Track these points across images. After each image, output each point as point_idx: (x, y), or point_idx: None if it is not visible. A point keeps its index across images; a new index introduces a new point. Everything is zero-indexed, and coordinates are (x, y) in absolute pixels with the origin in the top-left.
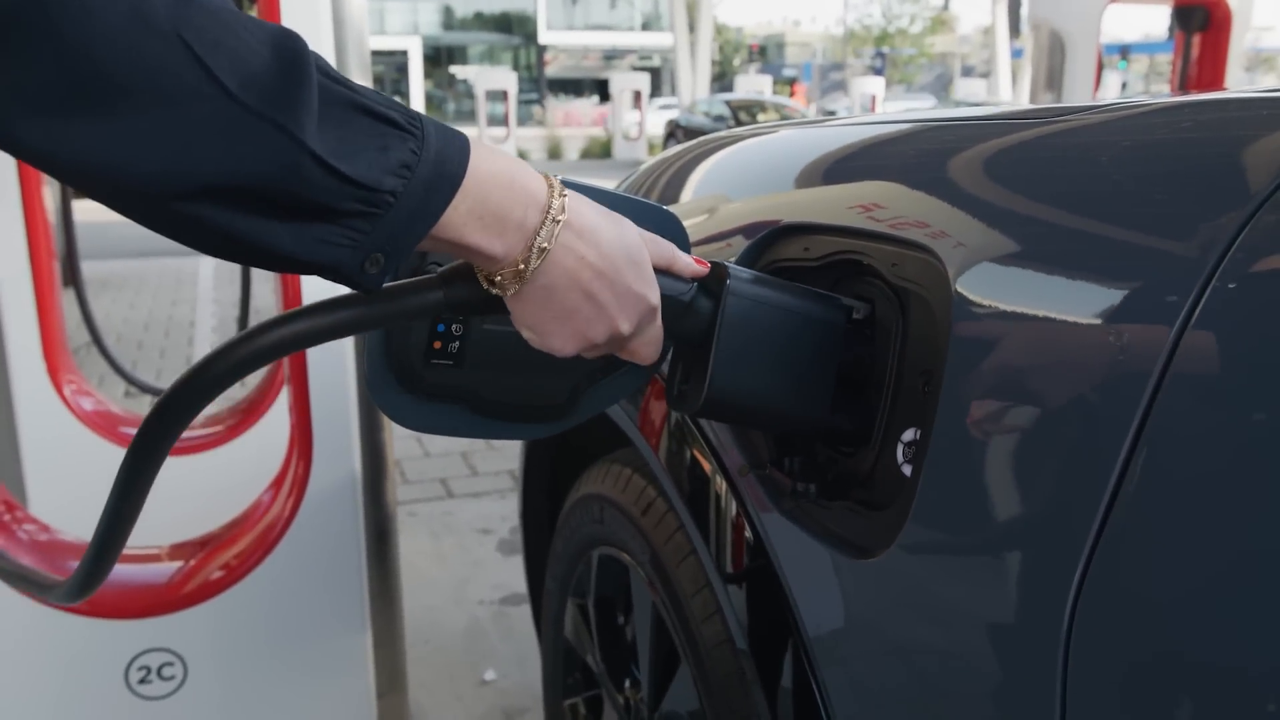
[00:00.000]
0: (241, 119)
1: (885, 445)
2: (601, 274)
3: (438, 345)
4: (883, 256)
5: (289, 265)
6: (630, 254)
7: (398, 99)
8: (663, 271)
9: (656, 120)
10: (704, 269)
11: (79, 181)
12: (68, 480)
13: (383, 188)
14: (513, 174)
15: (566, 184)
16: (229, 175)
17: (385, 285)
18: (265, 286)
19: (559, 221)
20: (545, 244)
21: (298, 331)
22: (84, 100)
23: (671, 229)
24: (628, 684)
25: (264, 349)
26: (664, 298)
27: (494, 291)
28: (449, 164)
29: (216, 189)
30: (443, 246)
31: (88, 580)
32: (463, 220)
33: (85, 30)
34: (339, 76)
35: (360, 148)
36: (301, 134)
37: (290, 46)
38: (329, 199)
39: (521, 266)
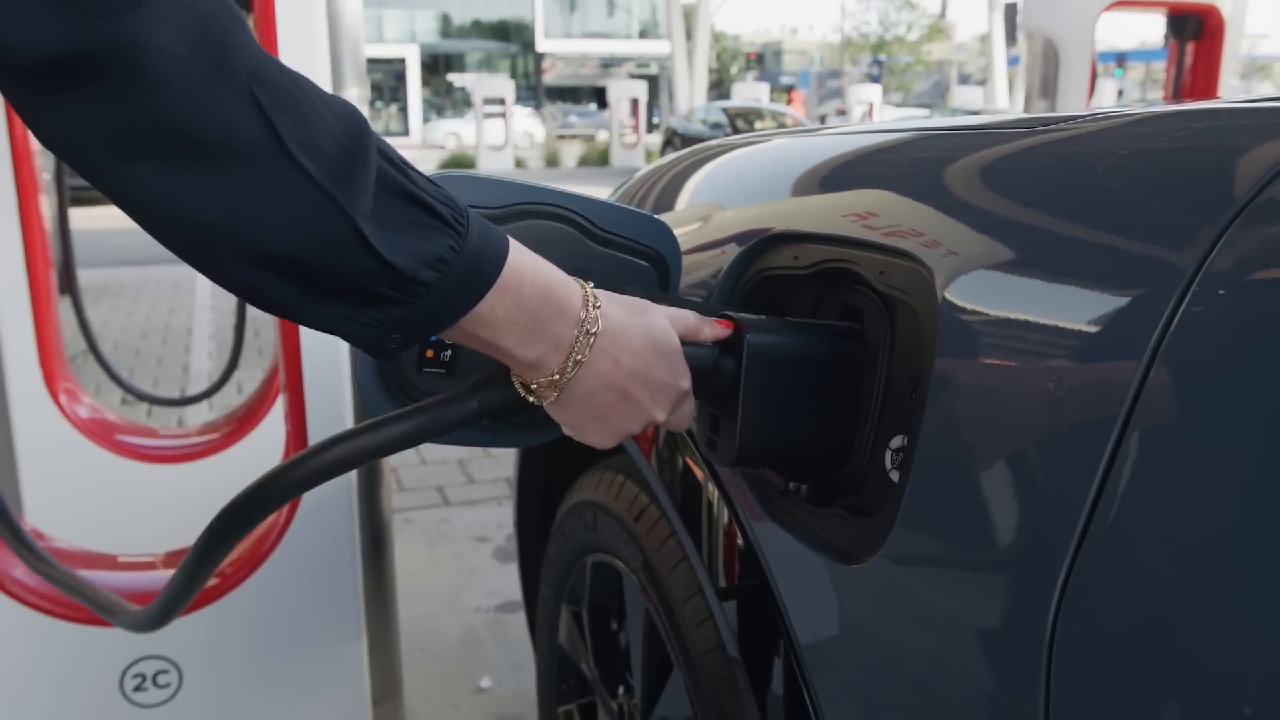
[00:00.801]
0: (299, 185)
1: (873, 452)
2: (635, 374)
3: (430, 354)
4: (870, 265)
5: (310, 326)
6: (660, 348)
7: (394, 107)
8: (687, 342)
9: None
10: (727, 330)
11: (142, 221)
12: (63, 487)
13: (417, 278)
14: (550, 284)
15: (557, 203)
16: (281, 243)
17: (421, 403)
18: None
19: (593, 333)
20: (580, 356)
21: (337, 457)
22: (160, 145)
23: (663, 238)
24: (621, 690)
25: (312, 473)
26: (691, 369)
27: (530, 398)
28: (485, 263)
29: (270, 258)
30: (478, 345)
31: (159, 617)
32: (499, 323)
33: (170, 76)
34: (397, 159)
35: (402, 235)
36: (354, 211)
37: (357, 125)
38: (365, 280)
39: (557, 377)
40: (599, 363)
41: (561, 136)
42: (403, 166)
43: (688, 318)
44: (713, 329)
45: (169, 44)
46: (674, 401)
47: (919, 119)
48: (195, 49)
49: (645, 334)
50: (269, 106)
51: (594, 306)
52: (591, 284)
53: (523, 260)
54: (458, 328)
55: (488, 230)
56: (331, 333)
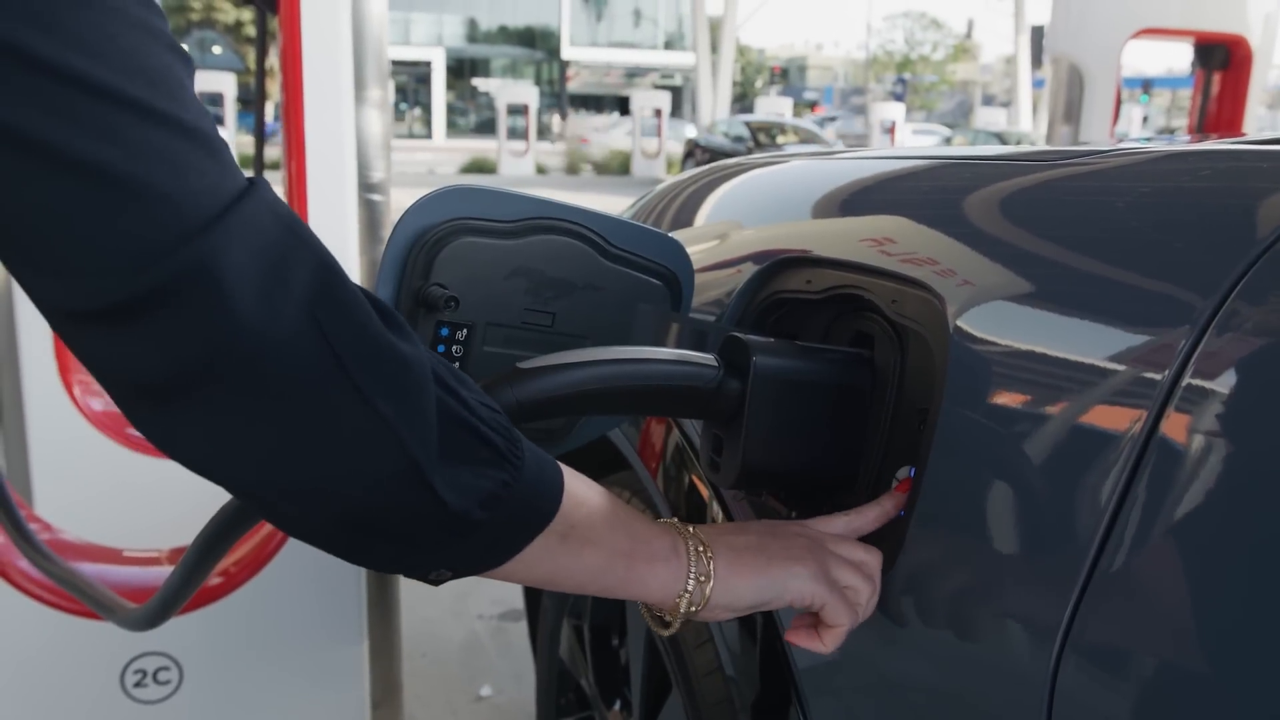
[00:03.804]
0: (358, 414)
1: (879, 481)
2: (757, 542)
3: None
4: (883, 293)
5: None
6: (767, 524)
7: (418, 111)
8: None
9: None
10: (896, 503)
11: (187, 458)
12: (74, 480)
13: (470, 517)
14: (636, 522)
15: (570, 219)
16: (334, 478)
17: None
18: None
19: (702, 550)
20: (700, 573)
21: None
22: (219, 372)
23: (676, 257)
24: (619, 707)
25: None
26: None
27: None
28: (540, 499)
29: (319, 494)
30: (587, 591)
31: (155, 616)
32: (584, 571)
33: (234, 301)
34: (451, 380)
35: (457, 470)
36: (415, 446)
37: (417, 349)
38: (417, 522)
39: (692, 609)
40: (722, 553)
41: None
42: (457, 389)
43: (839, 523)
44: (878, 515)
45: (239, 264)
46: (816, 549)
47: (936, 147)
48: (262, 270)
49: (746, 526)
50: (329, 329)
51: (692, 536)
52: (691, 530)
53: (596, 502)
54: (548, 578)
55: (541, 461)
56: (365, 566)
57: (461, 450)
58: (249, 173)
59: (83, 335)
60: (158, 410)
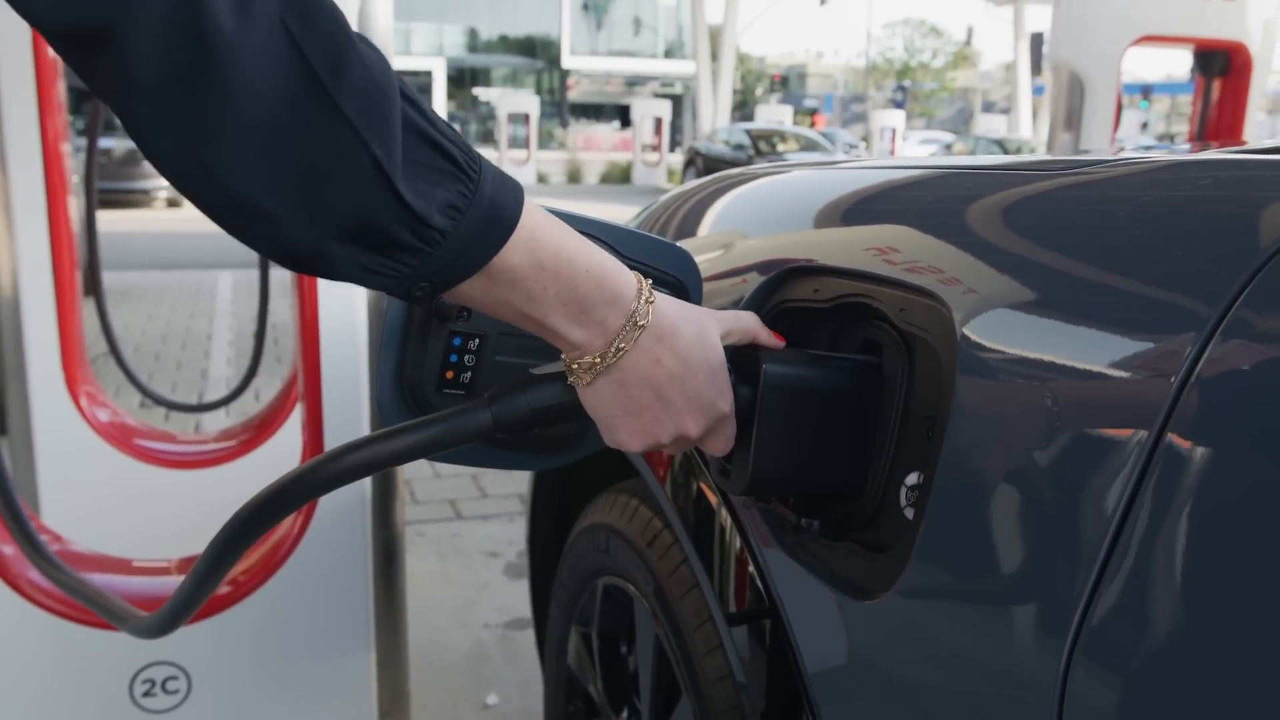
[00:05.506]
0: (329, 120)
1: (888, 488)
2: (674, 378)
3: (450, 375)
4: (890, 301)
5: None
6: (706, 359)
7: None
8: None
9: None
10: (781, 342)
11: (173, 175)
12: (81, 490)
13: (431, 223)
14: (604, 270)
15: (580, 229)
16: (307, 178)
17: (436, 414)
18: (283, 303)
19: (641, 325)
20: (624, 345)
21: (349, 465)
22: (189, 88)
23: (684, 266)
24: (627, 715)
25: (324, 481)
26: None
27: (570, 379)
28: (502, 210)
29: (293, 191)
30: (529, 325)
31: (167, 624)
32: (550, 304)
33: (208, 20)
34: (414, 97)
35: (419, 179)
36: (381, 152)
37: (385, 65)
38: (385, 223)
39: (597, 360)
40: (640, 357)
41: None
42: (420, 106)
43: (747, 320)
44: (769, 337)
45: None
46: (710, 419)
47: (940, 156)
48: None
49: (696, 340)
50: (299, 35)
51: (646, 300)
52: (650, 280)
53: (581, 249)
54: (505, 303)
55: (502, 178)
56: (350, 280)
57: (422, 158)
58: None
59: (84, 63)
60: (154, 123)
